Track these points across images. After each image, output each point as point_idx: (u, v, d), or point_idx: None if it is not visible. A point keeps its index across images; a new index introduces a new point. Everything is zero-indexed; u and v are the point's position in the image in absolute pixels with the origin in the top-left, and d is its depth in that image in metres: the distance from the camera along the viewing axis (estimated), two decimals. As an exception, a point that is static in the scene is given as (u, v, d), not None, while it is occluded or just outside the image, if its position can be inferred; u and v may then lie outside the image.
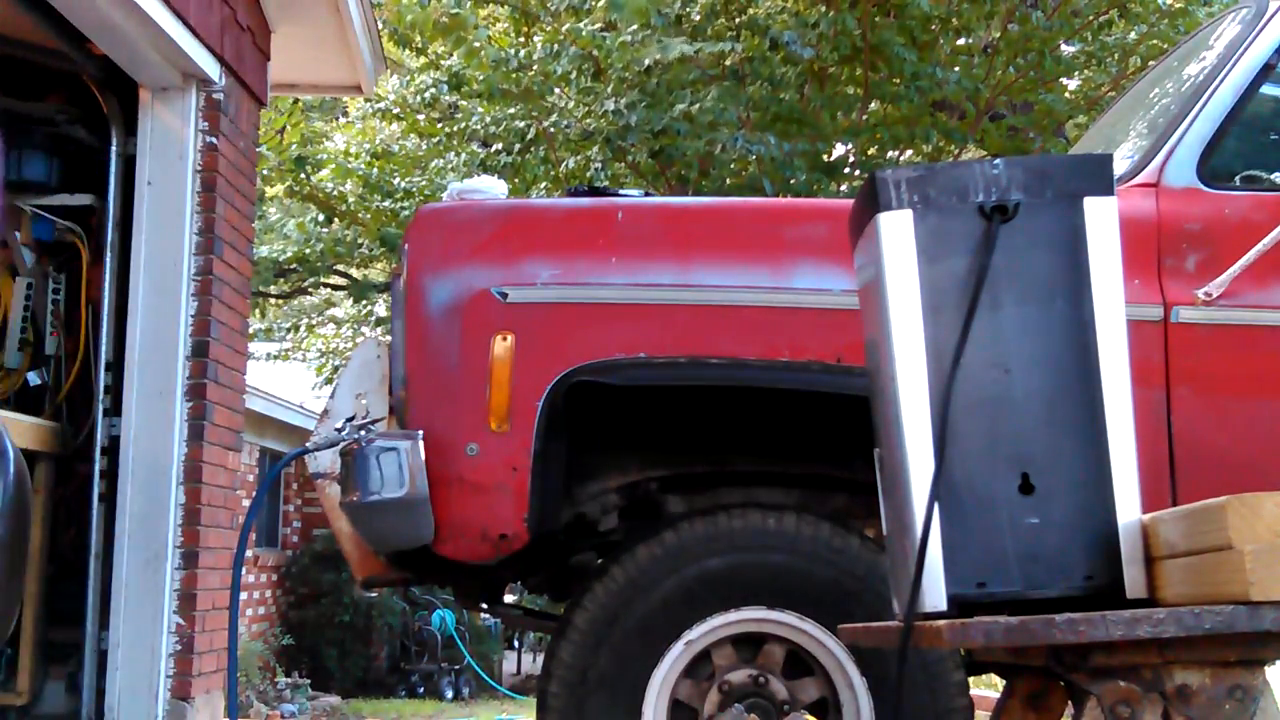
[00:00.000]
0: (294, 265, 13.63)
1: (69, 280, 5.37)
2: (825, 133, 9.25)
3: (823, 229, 2.98)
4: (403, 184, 11.35)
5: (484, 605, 3.57)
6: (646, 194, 3.59)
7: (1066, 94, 10.23)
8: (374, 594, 11.01)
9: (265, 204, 13.40)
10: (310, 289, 16.44)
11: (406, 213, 10.83)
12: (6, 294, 5.31)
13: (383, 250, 11.69)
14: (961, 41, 9.94)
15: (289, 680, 10.85)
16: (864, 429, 2.22)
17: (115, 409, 4.99)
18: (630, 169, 9.34)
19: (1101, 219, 1.94)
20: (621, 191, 3.43)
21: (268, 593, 12.07)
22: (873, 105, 9.74)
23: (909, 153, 9.93)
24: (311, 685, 10.97)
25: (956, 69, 9.30)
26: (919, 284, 1.94)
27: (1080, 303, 1.93)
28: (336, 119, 14.71)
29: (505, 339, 2.88)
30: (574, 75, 9.10)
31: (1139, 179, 2.94)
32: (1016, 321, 1.94)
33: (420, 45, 10.37)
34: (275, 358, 16.66)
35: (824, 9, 8.70)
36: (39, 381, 5.28)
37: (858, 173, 9.50)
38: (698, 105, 8.34)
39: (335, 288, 16.11)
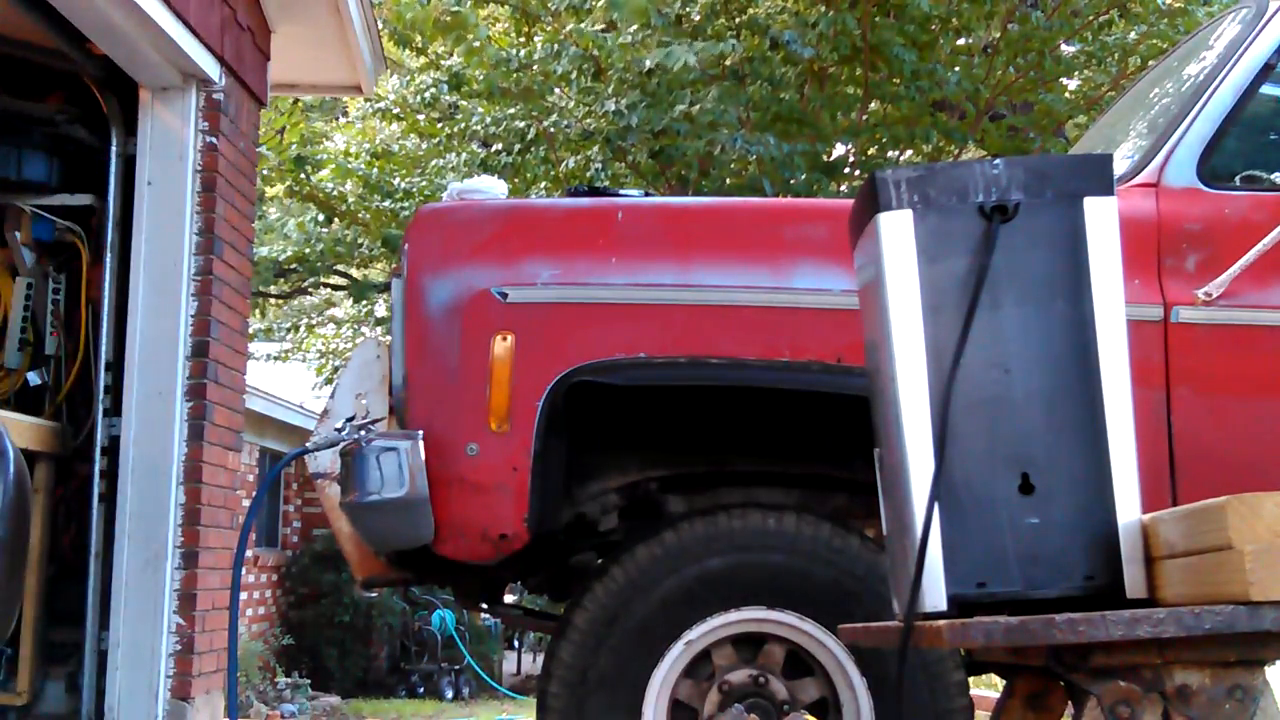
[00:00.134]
0: (294, 265, 13.62)
1: (69, 280, 5.37)
2: (825, 133, 9.25)
3: (823, 229, 2.98)
4: (403, 184, 11.35)
5: (484, 605, 3.57)
6: (646, 194, 3.59)
7: (1066, 94, 10.23)
8: (374, 594, 11.00)
9: (265, 204, 13.40)
10: (310, 289, 16.44)
11: (406, 213, 10.83)
12: (6, 294, 5.31)
13: (383, 250, 11.69)
14: (961, 41, 9.94)
15: (289, 680, 10.85)
16: (864, 429, 2.22)
17: (115, 409, 4.99)
18: (630, 169, 9.34)
19: (1101, 219, 1.94)
20: (621, 191, 3.43)
21: (268, 593, 12.07)
22: (873, 105, 9.74)
23: (909, 153, 9.93)
24: (311, 685, 10.98)
25: (956, 69, 9.30)
26: (919, 284, 1.94)
27: (1080, 303, 1.93)
28: (336, 119, 14.71)
29: (505, 339, 2.88)
30: (574, 75, 9.10)
31: (1139, 179, 2.94)
32: (1016, 321, 1.94)
33: (420, 45, 10.37)
34: (275, 358, 16.65)
35: (824, 9, 8.70)
36: (39, 381, 5.28)
37: (858, 173, 9.50)
38: (698, 105, 8.34)
39: (335, 288, 16.11)
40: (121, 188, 5.14)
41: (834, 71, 9.42)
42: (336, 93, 8.45)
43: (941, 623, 1.83)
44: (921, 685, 2.87)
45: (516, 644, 15.23)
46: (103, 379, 5.09)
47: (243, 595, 10.71)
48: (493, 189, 3.23)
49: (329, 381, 14.71)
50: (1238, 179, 2.96)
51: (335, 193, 11.85)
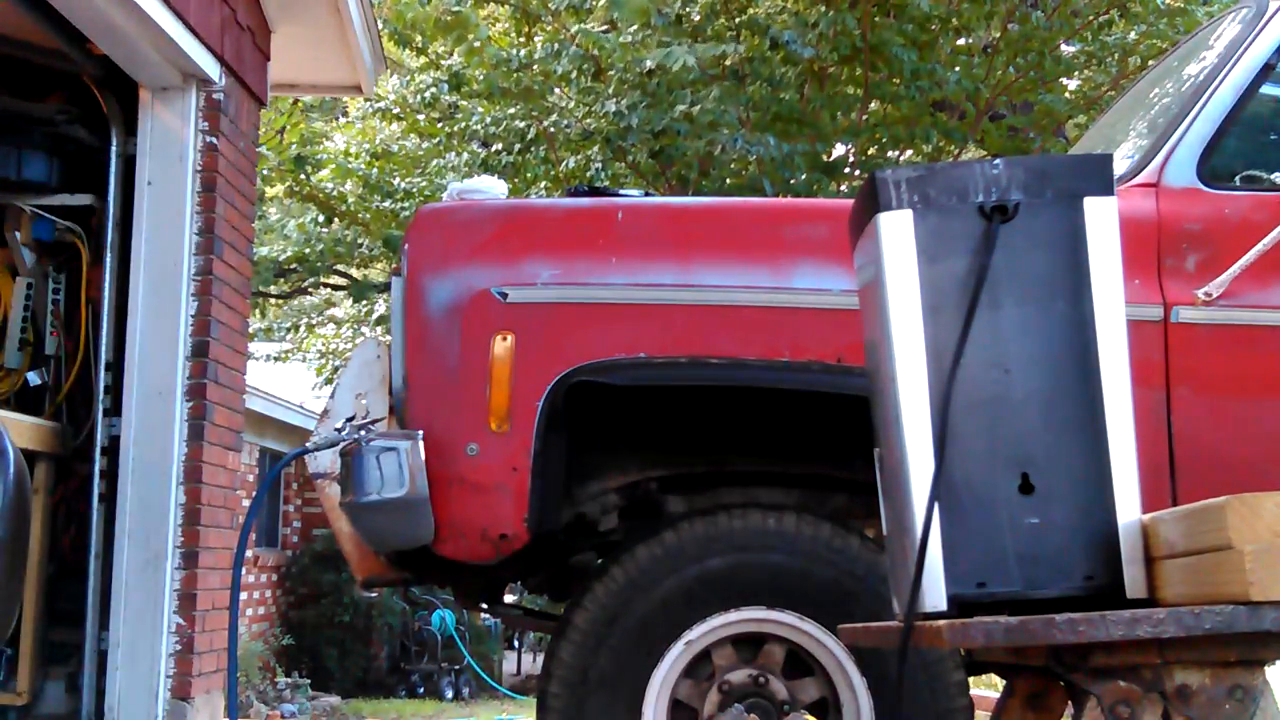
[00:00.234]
0: (294, 265, 13.62)
1: (69, 280, 5.37)
2: (825, 133, 9.25)
3: (823, 229, 2.98)
4: (403, 184, 11.34)
5: (484, 605, 3.57)
6: (646, 194, 3.59)
7: (1066, 94, 10.23)
8: (374, 594, 11.01)
9: (265, 204, 13.39)
10: (310, 289, 16.44)
11: (407, 213, 10.83)
12: (6, 294, 5.31)
13: (383, 250, 11.69)
14: (961, 41, 9.94)
15: (289, 680, 10.85)
16: (864, 429, 2.22)
17: (115, 409, 4.99)
18: (630, 169, 9.34)
19: (1101, 219, 1.94)
20: (621, 191, 3.43)
21: (268, 593, 12.07)
22: (873, 105, 9.73)
23: (909, 153, 9.93)
24: (311, 685, 10.98)
25: (956, 69, 9.30)
26: (919, 284, 1.94)
27: (1080, 303, 1.93)
28: (336, 119, 14.71)
29: (505, 339, 2.88)
30: (574, 75, 9.10)
31: (1139, 179, 2.94)
32: (1016, 321, 1.94)
33: (420, 45, 10.37)
34: (275, 358, 16.65)
35: (824, 9, 8.70)
36: (39, 381, 5.28)
37: (858, 173, 9.50)
38: (698, 106, 8.34)
39: (335, 288, 16.10)
40: (121, 188, 5.14)
41: (834, 71, 9.42)
42: (336, 93, 8.45)
43: (941, 623, 1.83)
44: (921, 685, 2.87)
45: (516, 644, 15.23)
46: (103, 379, 5.09)
47: (243, 595, 10.71)
48: (493, 189, 3.23)
49: (329, 381, 14.71)
50: (1238, 179, 2.96)
51: (335, 193, 11.85)
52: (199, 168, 5.07)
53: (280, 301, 17.02)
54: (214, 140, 5.11)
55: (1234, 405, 2.86)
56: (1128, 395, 1.92)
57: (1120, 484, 1.90)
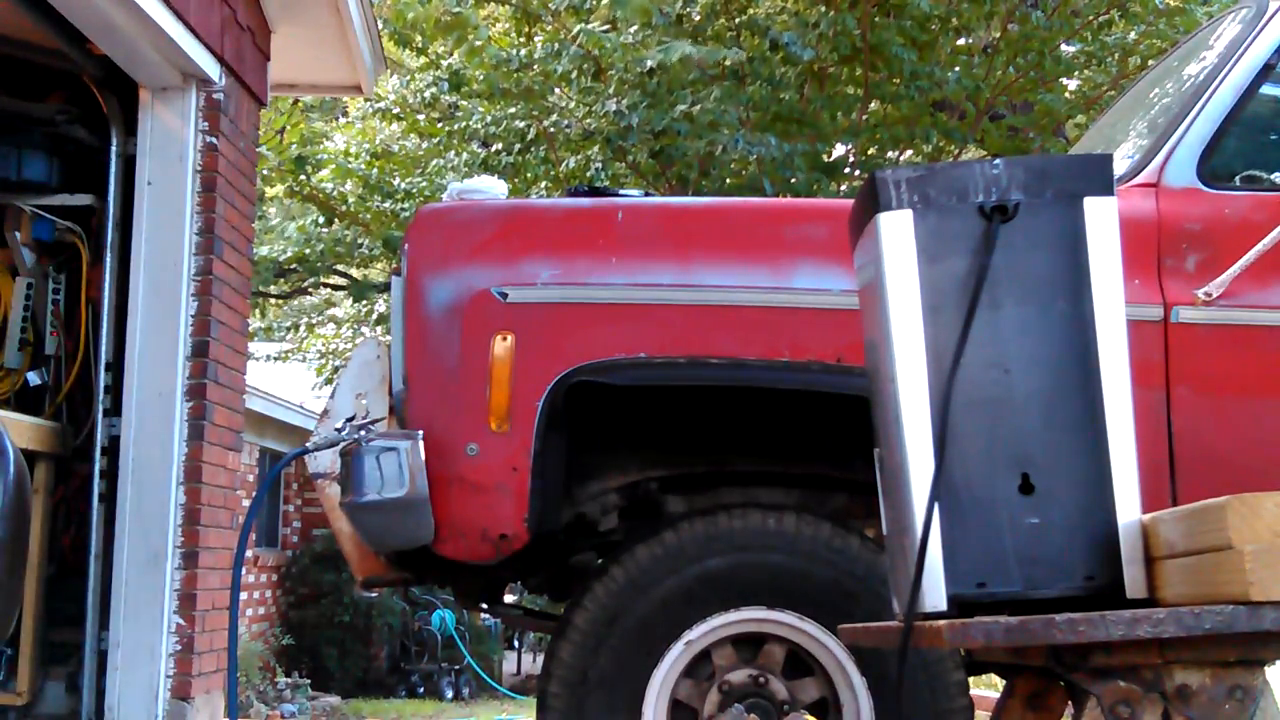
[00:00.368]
0: (294, 265, 13.62)
1: (69, 280, 5.37)
2: (825, 133, 9.25)
3: (823, 229, 2.98)
4: (403, 184, 11.34)
5: (484, 605, 3.57)
6: (646, 194, 3.59)
7: (1066, 94, 10.22)
8: (374, 594, 10.99)
9: (265, 204, 13.39)
10: (310, 289, 16.43)
11: (407, 213, 10.83)
12: (6, 294, 5.31)
13: (383, 250, 11.69)
14: (961, 41, 9.94)
15: (289, 680, 10.85)
16: (864, 429, 2.22)
17: (115, 409, 4.99)
18: (630, 169, 9.34)
19: (1101, 219, 1.94)
20: (621, 191, 3.43)
21: (268, 593, 12.07)
22: (873, 105, 9.74)
23: (909, 153, 9.93)
24: (311, 685, 10.97)
25: (956, 69, 9.30)
26: (919, 284, 1.94)
27: (1080, 303, 1.93)
28: (336, 119, 14.71)
29: (505, 339, 2.88)
30: (574, 75, 9.10)
31: (1139, 179, 2.94)
32: (1016, 321, 1.94)
33: (420, 45, 10.37)
34: (275, 358, 16.65)
35: (824, 9, 8.70)
36: (39, 381, 5.28)
37: (858, 173, 9.50)
38: (699, 106, 8.34)
39: (335, 288, 16.10)
40: (121, 188, 5.14)
41: (834, 71, 9.42)
42: (336, 93, 8.45)
43: (941, 623, 1.83)
44: (921, 685, 2.87)
45: (516, 644, 15.23)
46: (103, 379, 5.09)
47: (243, 595, 10.71)
48: (493, 189, 3.23)
49: (329, 381, 14.71)
50: (1238, 179, 2.96)
51: (335, 193, 11.85)
52: (199, 168, 5.07)
53: (280, 301, 17.01)
54: (214, 140, 5.11)
55: (1234, 405, 2.86)
56: (1128, 395, 1.92)
57: (1120, 484, 1.90)
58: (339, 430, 2.94)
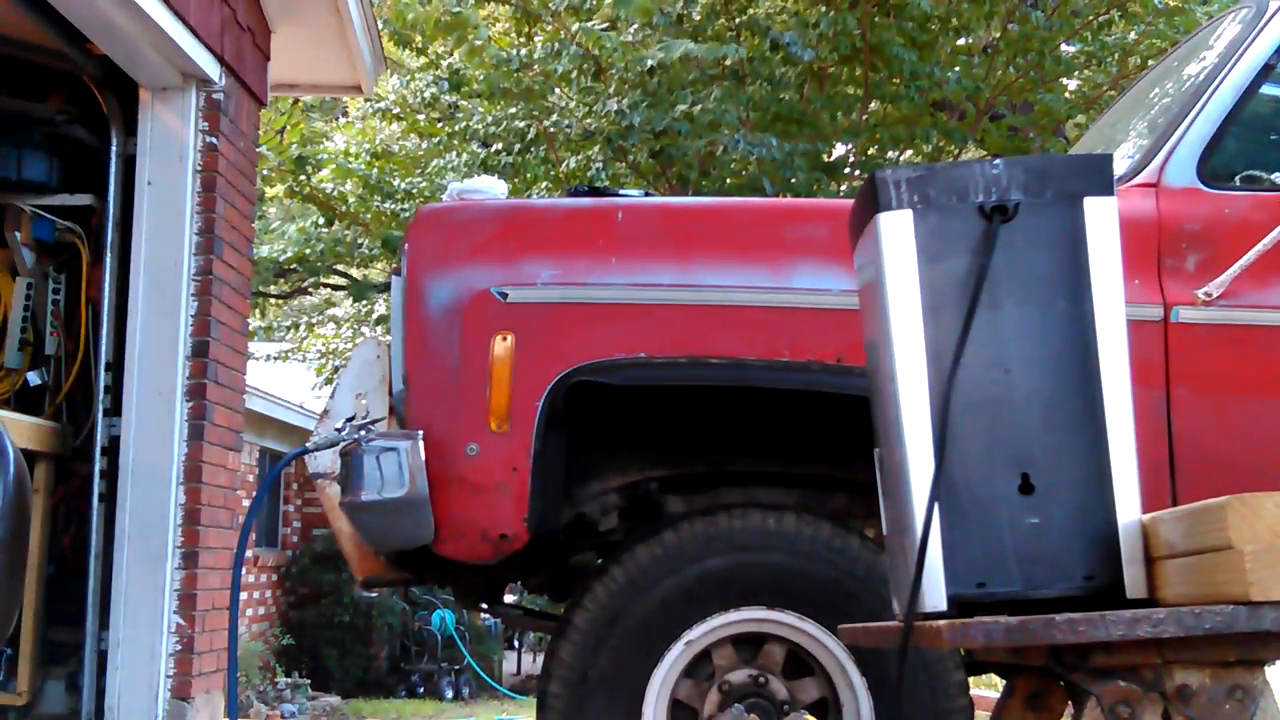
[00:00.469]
0: (294, 265, 13.62)
1: (69, 280, 5.37)
2: (825, 133, 9.25)
3: (823, 229, 2.98)
4: (403, 185, 11.34)
5: (484, 605, 3.57)
6: (646, 194, 3.59)
7: (1066, 94, 10.22)
8: (374, 594, 11.00)
9: (265, 204, 13.39)
10: (310, 289, 16.44)
11: (407, 213, 10.83)
12: (6, 294, 5.31)
13: (383, 250, 11.68)
14: (961, 41, 9.94)
15: (289, 680, 10.85)
16: (864, 429, 2.22)
17: (115, 409, 4.99)
18: (631, 169, 9.34)
19: (1101, 219, 1.94)
20: (621, 191, 3.43)
21: (268, 593, 12.07)
22: (873, 105, 9.74)
23: (909, 153, 9.93)
24: (311, 685, 10.97)
25: (956, 69, 9.30)
26: (919, 284, 1.94)
27: (1080, 303, 1.93)
28: (336, 119, 14.71)
29: (505, 339, 2.88)
30: (574, 75, 9.10)
31: (1139, 179, 2.94)
32: (1016, 321, 1.94)
33: (420, 45, 10.37)
34: (275, 358, 16.66)
35: (824, 9, 8.70)
36: (39, 381, 5.28)
37: (858, 173, 9.50)
38: (699, 106, 8.34)
39: (335, 288, 16.10)
40: (121, 188, 5.14)
41: (834, 71, 9.42)
42: (336, 93, 8.45)
43: (941, 623, 1.83)
44: (921, 685, 2.87)
45: (516, 644, 15.23)
46: (103, 379, 5.09)
47: (243, 595, 10.71)
48: (493, 189, 3.23)
49: (329, 381, 14.71)
50: (1238, 179, 2.96)
51: (335, 193, 11.85)
52: (199, 168, 5.07)
53: (280, 301, 17.02)
54: (214, 140, 5.11)
55: (1234, 405, 2.86)
56: (1128, 395, 1.92)
57: (1120, 484, 1.90)
58: (339, 430, 2.94)
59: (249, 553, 10.92)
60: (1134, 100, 3.60)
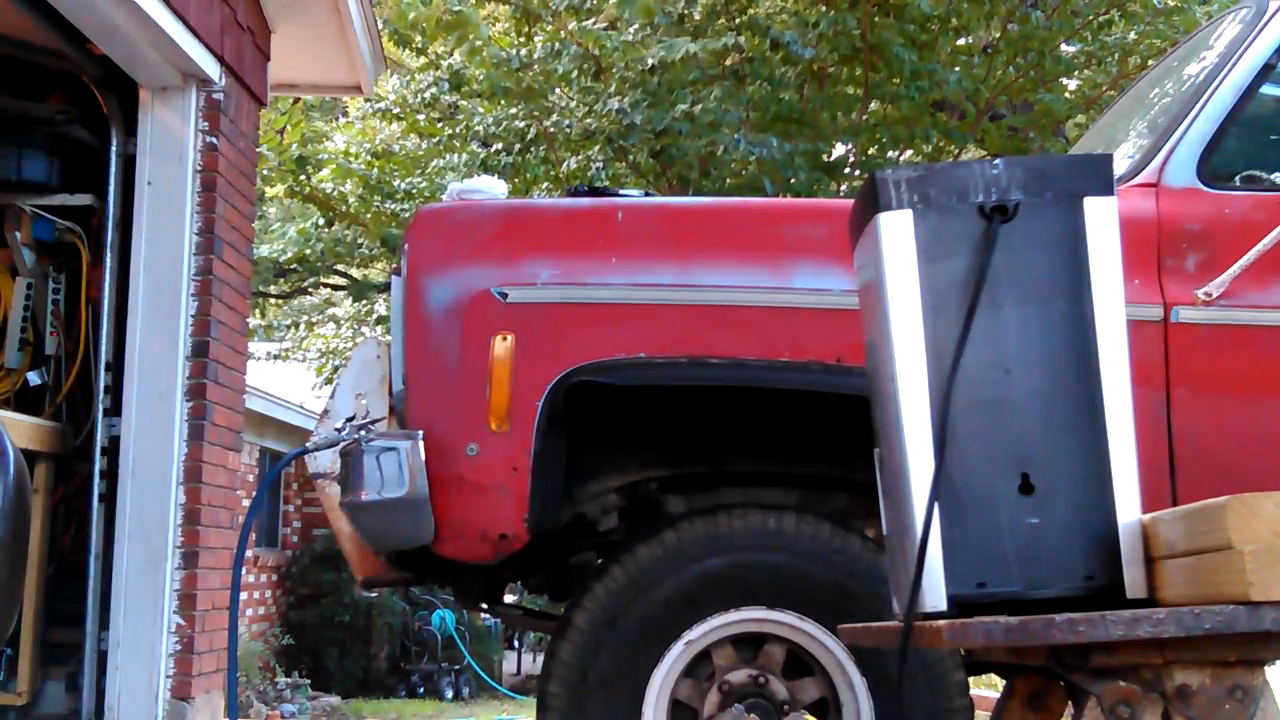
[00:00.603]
0: (294, 265, 13.63)
1: (69, 280, 5.37)
2: (825, 133, 9.25)
3: (823, 229, 2.98)
4: (403, 185, 11.35)
5: (484, 605, 3.57)
6: (647, 194, 3.59)
7: (1066, 94, 10.23)
8: (374, 594, 10.99)
9: (265, 204, 13.39)
10: (310, 289, 16.45)
11: (407, 214, 10.83)
12: (6, 294, 5.31)
13: (383, 250, 11.69)
14: (961, 41, 9.94)
15: (289, 680, 10.85)
16: (864, 429, 2.22)
17: (115, 409, 4.99)
18: (631, 169, 9.35)
19: (1101, 219, 1.94)
20: (622, 191, 3.42)
21: (268, 593, 12.07)
22: (873, 105, 9.74)
23: (909, 153, 9.93)
24: (311, 685, 10.97)
25: (956, 69, 9.30)
26: (919, 284, 1.94)
27: (1080, 303, 1.93)
28: (336, 119, 14.71)
29: (505, 339, 2.88)
30: (575, 75, 9.10)
31: (1139, 179, 2.94)
32: (1016, 321, 1.94)
33: (420, 45, 10.37)
34: (276, 357, 16.66)
35: (824, 9, 8.70)
36: (39, 381, 5.28)
37: (858, 173, 9.50)
38: (699, 105, 8.34)
39: (335, 288, 16.12)
40: (121, 188, 5.14)
41: (834, 71, 9.43)
42: (336, 93, 8.45)
43: (941, 623, 1.83)
44: (921, 685, 2.87)
45: (516, 644, 15.23)
46: (103, 379, 5.10)
47: (243, 595, 10.71)
48: (493, 189, 3.23)
49: (329, 381, 14.72)
50: (1238, 179, 2.95)
51: (335, 193, 11.85)
52: (199, 168, 5.07)
53: (280, 301, 17.02)
54: (214, 140, 5.11)
55: (1234, 405, 2.86)
56: (1128, 395, 1.92)
57: (1120, 484, 1.90)
58: (339, 430, 2.93)
59: (249, 553, 10.92)
60: (1134, 100, 3.60)
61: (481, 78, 9.21)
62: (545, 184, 9.83)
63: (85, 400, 5.22)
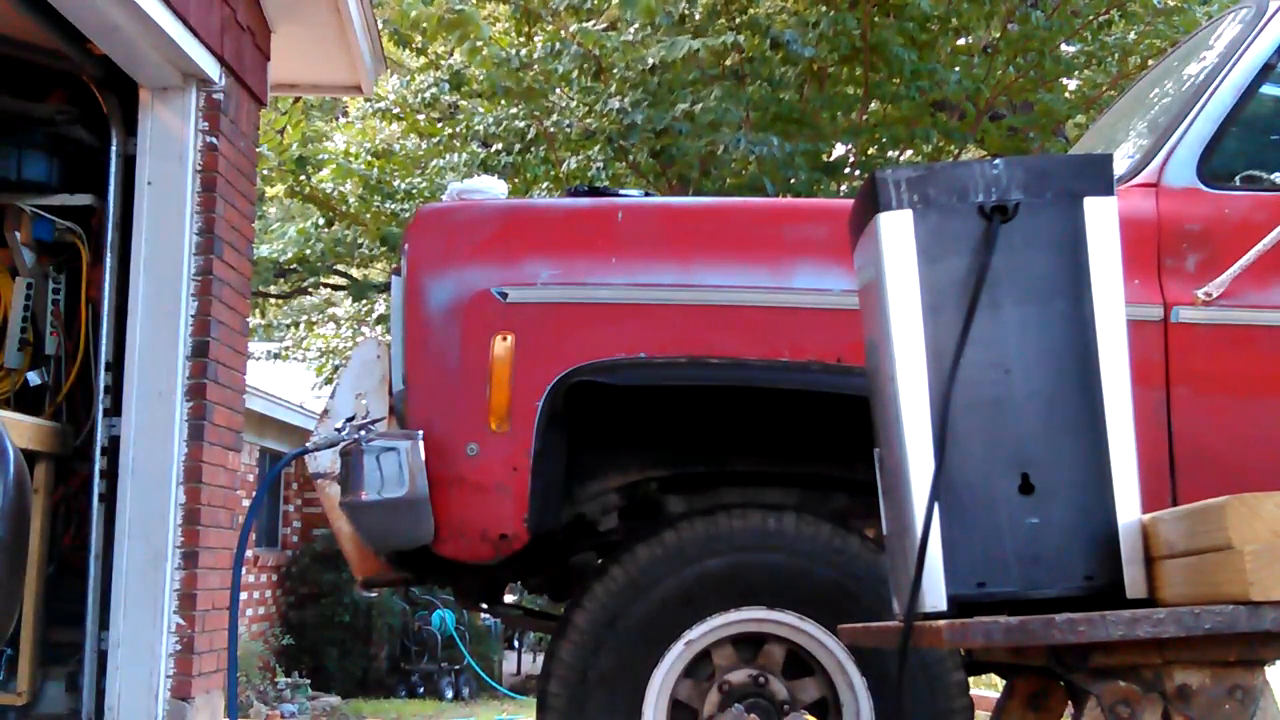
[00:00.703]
0: (294, 265, 13.63)
1: (69, 280, 5.37)
2: (825, 133, 9.26)
3: (823, 229, 2.98)
4: (403, 185, 11.35)
5: (484, 605, 3.57)
6: (647, 194, 3.59)
7: (1066, 94, 10.23)
8: (374, 594, 10.99)
9: (265, 204, 13.39)
10: (310, 289, 16.44)
11: (407, 214, 10.83)
12: (6, 294, 5.31)
13: (383, 250, 11.69)
14: (961, 41, 9.94)
15: (289, 680, 10.85)
16: (864, 429, 2.22)
17: (115, 409, 4.99)
18: (631, 169, 9.35)
19: (1101, 219, 1.94)
20: (622, 191, 3.42)
21: (268, 593, 12.07)
22: (873, 105, 9.74)
23: (909, 153, 9.94)
24: (311, 685, 10.97)
25: (956, 69, 9.31)
26: (919, 284, 1.94)
27: (1080, 303, 1.93)
28: (336, 119, 14.71)
29: (505, 339, 2.88)
30: (575, 75, 9.10)
31: (1139, 179, 2.94)
32: (1016, 321, 1.94)
33: (420, 45, 10.37)
34: (276, 357, 16.66)
35: (824, 9, 8.71)
36: (39, 381, 5.28)
37: (858, 173, 9.50)
38: (700, 105, 8.34)
39: (335, 288, 16.11)
40: (121, 188, 5.14)
41: (834, 71, 9.43)
42: (336, 93, 8.45)
43: (941, 623, 1.83)
44: (921, 685, 2.87)
45: (516, 644, 15.23)
46: (103, 379, 5.10)
47: (243, 595, 10.71)
48: (493, 189, 3.23)
49: (329, 381, 14.72)
50: (1238, 179, 2.96)
51: (335, 193, 11.85)
52: (199, 168, 5.07)
53: (280, 301, 17.02)
54: (214, 140, 5.11)
55: (1234, 405, 2.86)
56: (1128, 395, 1.92)
57: (1120, 484, 1.90)
58: (339, 430, 2.93)
59: (249, 553, 10.93)
60: (1134, 100, 3.60)
61: (482, 78, 9.21)
62: (545, 184, 9.83)
63: (85, 400, 5.22)
